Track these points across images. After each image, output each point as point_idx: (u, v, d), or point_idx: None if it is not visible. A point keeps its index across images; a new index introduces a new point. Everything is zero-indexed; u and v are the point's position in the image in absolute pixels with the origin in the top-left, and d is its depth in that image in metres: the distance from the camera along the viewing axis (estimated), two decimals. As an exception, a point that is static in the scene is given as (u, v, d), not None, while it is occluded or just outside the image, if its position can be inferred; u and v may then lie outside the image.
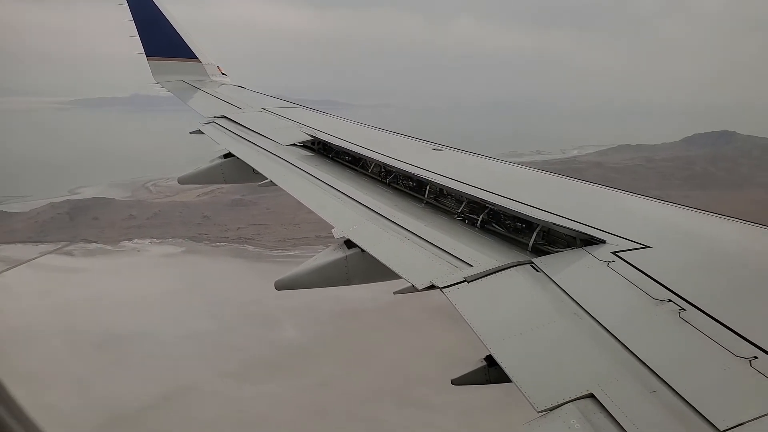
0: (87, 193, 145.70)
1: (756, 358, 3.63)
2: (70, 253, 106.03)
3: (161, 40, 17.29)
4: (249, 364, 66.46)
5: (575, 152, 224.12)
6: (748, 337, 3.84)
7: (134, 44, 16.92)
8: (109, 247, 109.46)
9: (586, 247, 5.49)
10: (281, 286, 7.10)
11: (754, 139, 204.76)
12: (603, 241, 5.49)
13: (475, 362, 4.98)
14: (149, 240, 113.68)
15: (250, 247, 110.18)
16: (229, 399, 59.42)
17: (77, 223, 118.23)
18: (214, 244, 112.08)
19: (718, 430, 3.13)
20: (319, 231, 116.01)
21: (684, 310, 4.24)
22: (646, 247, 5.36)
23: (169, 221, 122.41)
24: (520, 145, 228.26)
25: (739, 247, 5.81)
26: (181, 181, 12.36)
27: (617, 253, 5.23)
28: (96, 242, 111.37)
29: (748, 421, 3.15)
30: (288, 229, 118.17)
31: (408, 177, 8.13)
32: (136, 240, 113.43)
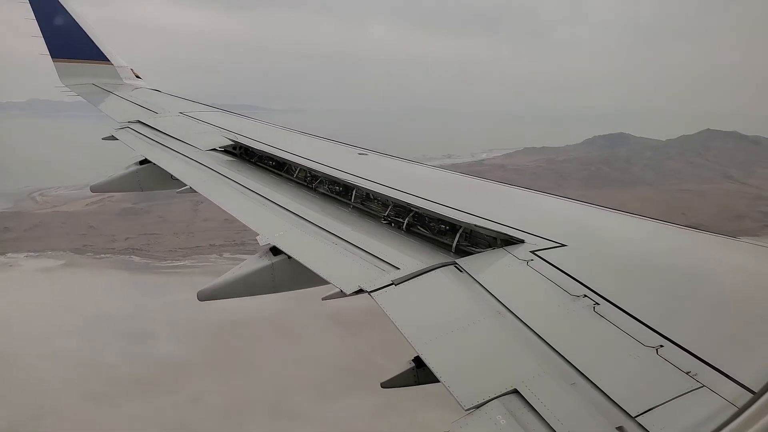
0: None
1: (662, 346, 3.85)
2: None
3: (68, 41, 16.18)
4: (115, 384, 62.20)
5: (484, 155, 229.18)
6: (654, 327, 4.05)
7: (37, 44, 15.59)
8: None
9: (506, 247, 5.63)
10: (204, 296, 6.50)
11: (647, 141, 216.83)
12: (522, 241, 5.63)
13: (404, 364, 4.90)
14: (25, 254, 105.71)
15: (137, 258, 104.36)
16: (85, 423, 55.17)
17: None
18: (98, 256, 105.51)
19: (631, 416, 3.33)
20: (213, 239, 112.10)
21: (598, 304, 4.42)
22: (563, 245, 5.51)
23: (49, 233, 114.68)
24: (431, 149, 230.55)
25: (647, 243, 5.98)
26: (94, 189, 11.41)
27: (535, 252, 5.39)
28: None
29: (656, 406, 3.37)
30: (181, 238, 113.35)
31: (334, 182, 8.08)
32: (9, 254, 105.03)
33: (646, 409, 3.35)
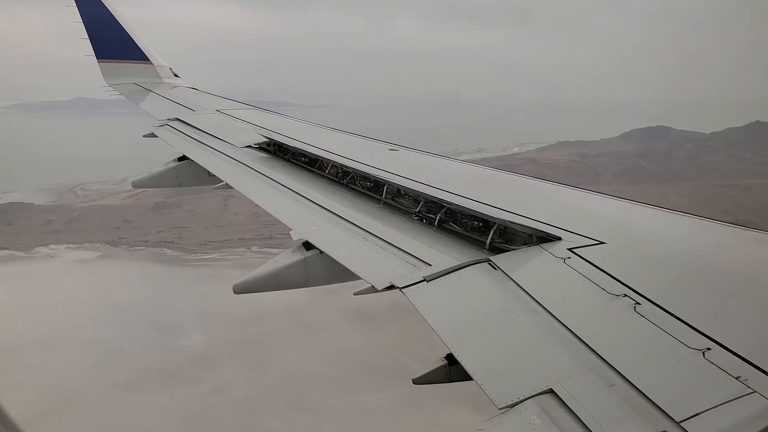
0: (9, 197, 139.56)
1: (709, 349, 3.71)
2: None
3: (112, 42, 16.87)
4: (143, 373, 63.80)
5: (516, 149, 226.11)
6: (701, 329, 3.91)
7: (83, 46, 16.45)
8: (20, 254, 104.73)
9: (542, 245, 5.51)
10: (239, 289, 6.62)
11: (688, 134, 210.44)
12: (559, 238, 5.52)
13: (436, 361, 4.85)
14: (65, 245, 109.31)
15: (169, 251, 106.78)
16: (113, 410, 56.76)
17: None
18: (132, 249, 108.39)
19: (675, 421, 3.20)
20: (242, 233, 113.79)
21: (639, 304, 4.30)
22: (601, 243, 5.40)
23: (88, 226, 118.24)
24: (461, 143, 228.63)
25: (690, 241, 5.85)
26: (135, 185, 11.79)
27: (573, 250, 5.27)
28: (7, 249, 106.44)
29: (702, 412, 3.23)
30: (211, 231, 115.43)
31: (365, 177, 8.09)
32: (51, 246, 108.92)
33: (692, 414, 3.23)
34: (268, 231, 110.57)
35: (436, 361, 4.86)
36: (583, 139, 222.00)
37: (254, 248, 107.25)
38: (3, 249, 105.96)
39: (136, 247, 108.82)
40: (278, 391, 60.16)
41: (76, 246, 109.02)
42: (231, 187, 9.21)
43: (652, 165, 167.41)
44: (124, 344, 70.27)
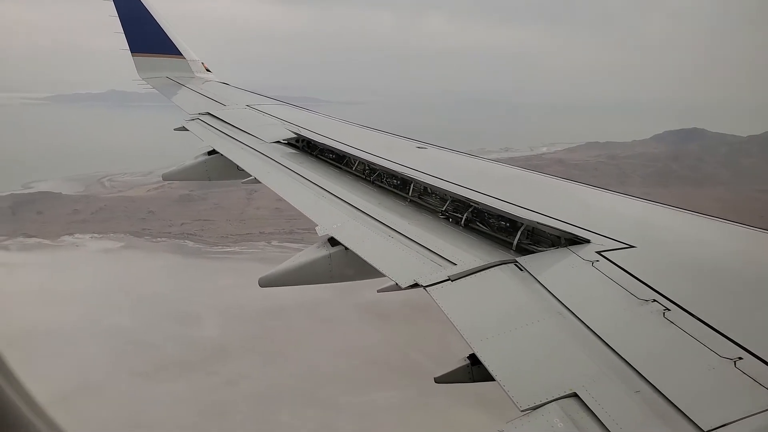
0: (40, 187, 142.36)
1: (741, 358, 3.61)
2: (6, 248, 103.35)
3: (146, 37, 17.18)
4: (161, 363, 64.41)
5: (544, 149, 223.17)
6: (732, 338, 3.81)
7: (118, 40, 16.78)
8: (47, 242, 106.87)
9: (570, 247, 5.44)
10: (265, 283, 6.70)
11: (723, 137, 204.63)
12: (587, 241, 5.43)
13: (459, 360, 4.80)
14: (90, 235, 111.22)
15: (191, 243, 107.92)
16: (130, 399, 57.34)
17: (19, 218, 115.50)
18: (154, 240, 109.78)
19: (702, 430, 3.13)
20: (264, 227, 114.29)
21: (668, 310, 4.22)
22: (631, 246, 5.30)
23: (113, 216, 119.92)
24: (489, 142, 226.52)
25: (722, 246, 5.75)
26: (166, 177, 12.22)
27: (602, 253, 5.19)
28: (36, 237, 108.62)
29: (732, 422, 3.13)
30: (233, 225, 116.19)
31: (392, 175, 8.10)
32: (77, 235, 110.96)
33: (720, 424, 3.12)
34: (290, 226, 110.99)
35: (459, 361, 4.82)
36: (614, 140, 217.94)
37: (274, 242, 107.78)
38: (31, 237, 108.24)
39: (158, 239, 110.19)
40: (291, 386, 60.19)
41: (101, 236, 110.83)
42: (259, 182, 9.29)
43: (683, 168, 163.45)
44: (144, 334, 71.09)
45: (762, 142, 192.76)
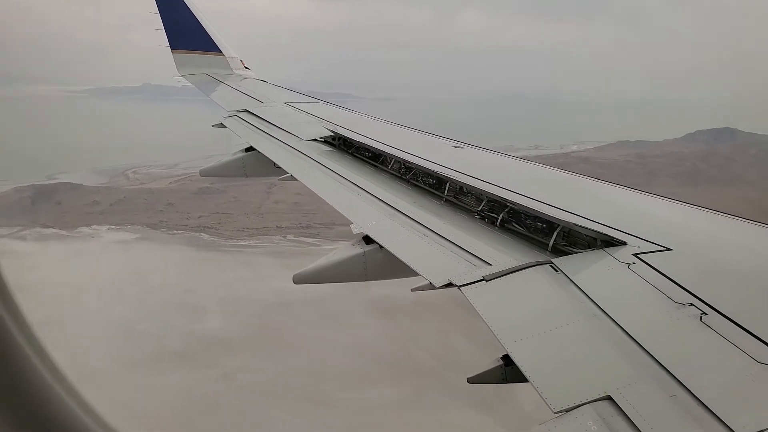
0: (63, 178, 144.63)
1: None
2: (23, 238, 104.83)
3: (186, 34, 17.45)
4: (159, 354, 64.25)
5: (574, 147, 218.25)
6: None
7: (157, 36, 16.99)
8: (64, 233, 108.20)
9: (606, 249, 5.42)
10: (299, 280, 6.76)
11: (755, 137, 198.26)
12: (624, 243, 5.40)
13: (492, 361, 4.83)
14: (107, 226, 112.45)
15: (206, 236, 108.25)
16: (122, 390, 57.03)
17: (38, 208, 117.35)
18: (171, 232, 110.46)
19: None
20: (281, 221, 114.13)
21: (705, 314, 4.17)
22: (668, 249, 5.27)
23: (132, 208, 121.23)
24: (519, 139, 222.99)
25: (760, 250, 5.72)
26: (203, 173, 12.51)
27: (638, 255, 5.15)
28: (53, 227, 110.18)
29: None
30: (250, 218, 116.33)
31: (428, 174, 8.12)
32: (94, 226, 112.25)
33: (758, 430, 3.08)
34: (307, 220, 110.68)
35: (492, 362, 4.81)
36: (644, 139, 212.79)
37: (290, 236, 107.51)
38: (48, 227, 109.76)
39: (174, 231, 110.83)
40: (288, 381, 59.41)
41: (118, 228, 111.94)
42: (296, 179, 9.44)
43: (712, 168, 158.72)
44: (147, 325, 71.14)
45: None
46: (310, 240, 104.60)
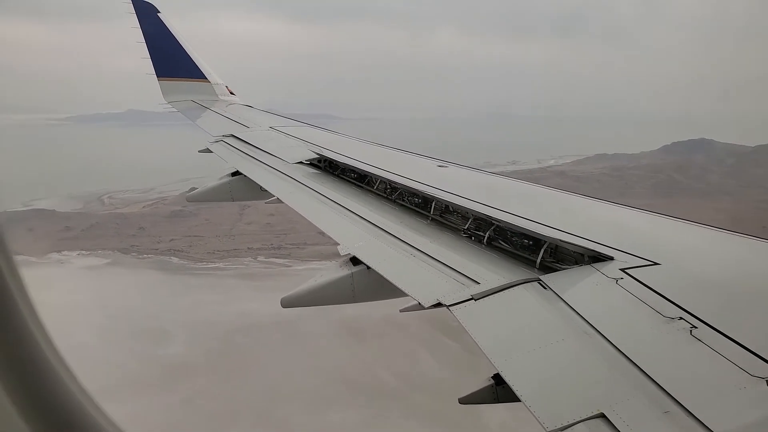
0: (38, 205, 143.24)
1: None
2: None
3: (172, 61, 17.71)
4: (119, 381, 62.80)
5: (552, 162, 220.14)
6: (763, 356, 3.72)
7: (142, 63, 17.22)
8: (33, 259, 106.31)
9: (594, 264, 5.38)
10: (287, 303, 6.60)
11: (731, 147, 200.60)
12: (611, 258, 5.36)
13: (483, 380, 4.81)
14: (78, 252, 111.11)
15: (176, 260, 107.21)
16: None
17: (8, 235, 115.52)
18: (141, 256, 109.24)
19: None
20: (252, 243, 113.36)
21: (696, 327, 4.15)
22: (655, 263, 5.23)
23: (104, 233, 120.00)
24: (495, 156, 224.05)
25: (750, 262, 5.67)
26: (189, 199, 12.45)
27: (626, 270, 5.14)
28: (22, 254, 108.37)
29: None
30: (222, 240, 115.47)
31: (413, 193, 8.13)
32: (64, 252, 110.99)
33: None
34: (279, 241, 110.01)
35: (483, 381, 4.79)
36: (622, 152, 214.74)
37: (260, 258, 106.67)
38: (17, 254, 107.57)
39: (145, 255, 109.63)
40: (247, 405, 58.40)
41: (88, 253, 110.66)
42: (282, 202, 9.44)
43: (687, 178, 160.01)
44: (108, 352, 69.66)
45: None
46: (280, 261, 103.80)
